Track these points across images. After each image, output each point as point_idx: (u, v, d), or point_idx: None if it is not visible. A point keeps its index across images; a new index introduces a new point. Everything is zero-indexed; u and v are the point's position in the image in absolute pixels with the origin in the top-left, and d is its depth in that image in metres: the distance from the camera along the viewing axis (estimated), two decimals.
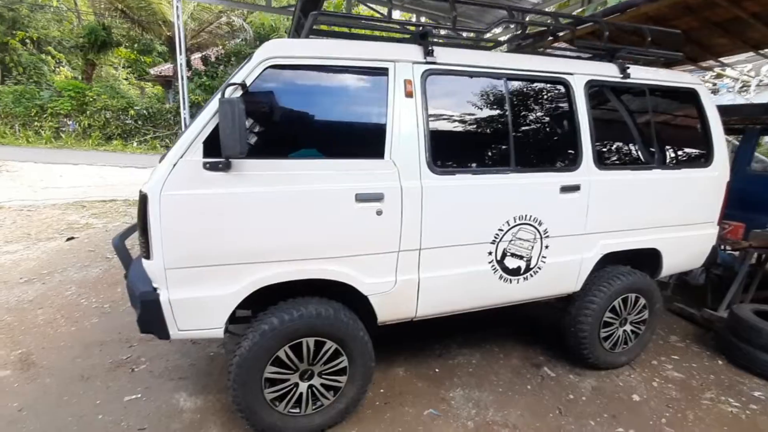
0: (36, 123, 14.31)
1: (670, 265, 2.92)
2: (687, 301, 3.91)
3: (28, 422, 2.19)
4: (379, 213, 2.05)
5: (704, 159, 2.86)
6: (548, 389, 2.66)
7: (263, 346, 1.94)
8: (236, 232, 1.87)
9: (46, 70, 17.85)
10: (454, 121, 2.28)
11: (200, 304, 1.89)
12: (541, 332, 3.31)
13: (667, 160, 2.80)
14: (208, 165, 1.80)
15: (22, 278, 4.05)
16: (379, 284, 2.15)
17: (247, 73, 1.86)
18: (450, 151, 2.25)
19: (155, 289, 1.85)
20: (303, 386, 2.10)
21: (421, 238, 2.16)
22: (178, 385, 2.53)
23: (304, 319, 1.98)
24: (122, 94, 16.00)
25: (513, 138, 2.32)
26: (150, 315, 1.85)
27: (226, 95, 1.75)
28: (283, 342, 1.98)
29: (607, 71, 2.58)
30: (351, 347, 2.11)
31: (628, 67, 2.60)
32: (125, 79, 20.65)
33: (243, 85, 1.82)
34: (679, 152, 2.91)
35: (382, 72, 2.08)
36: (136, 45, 19.09)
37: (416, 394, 2.54)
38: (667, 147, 2.82)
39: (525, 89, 2.41)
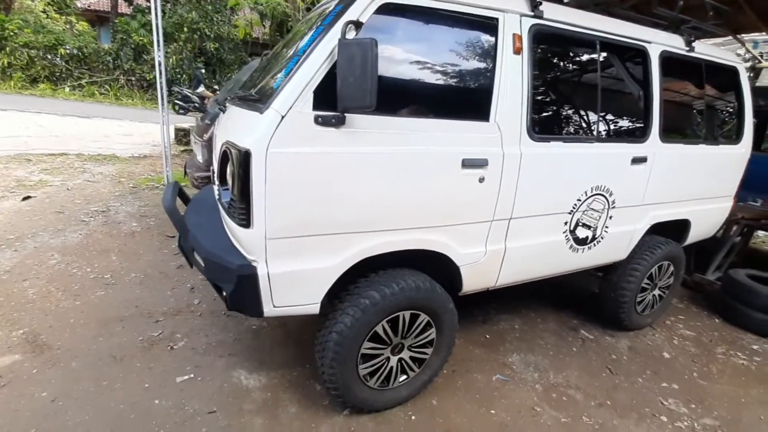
0: None
1: (693, 235, 3.14)
2: None
3: (70, 413, 1.88)
4: (481, 180, 1.92)
5: (736, 136, 3.04)
6: (592, 351, 2.81)
7: (365, 321, 1.79)
8: (345, 197, 1.66)
9: None
10: (552, 84, 2.17)
11: (300, 278, 1.69)
12: (567, 297, 3.46)
13: (711, 136, 2.93)
14: (320, 119, 1.54)
15: None
16: (472, 254, 2.06)
17: (360, 11, 1.58)
18: (546, 117, 2.15)
19: (251, 262, 1.61)
20: (393, 360, 2.01)
21: (513, 208, 2.08)
22: (230, 362, 2.32)
23: (405, 293, 1.85)
24: (49, 29, 13.54)
25: (600, 106, 2.26)
26: (245, 291, 1.62)
27: (339, 34, 1.48)
28: (383, 317, 1.85)
29: (676, 42, 2.57)
30: (442, 319, 2.04)
31: (694, 40, 2.61)
32: (43, 12, 17.51)
33: (358, 24, 1.54)
34: (720, 129, 3.05)
35: (492, 22, 1.88)
36: None
37: (477, 361, 2.56)
38: (712, 123, 2.94)
39: (613, 55, 2.34)
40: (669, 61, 2.56)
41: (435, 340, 2.08)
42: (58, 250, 3.45)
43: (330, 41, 1.54)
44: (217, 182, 1.94)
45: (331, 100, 1.51)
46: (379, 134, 1.66)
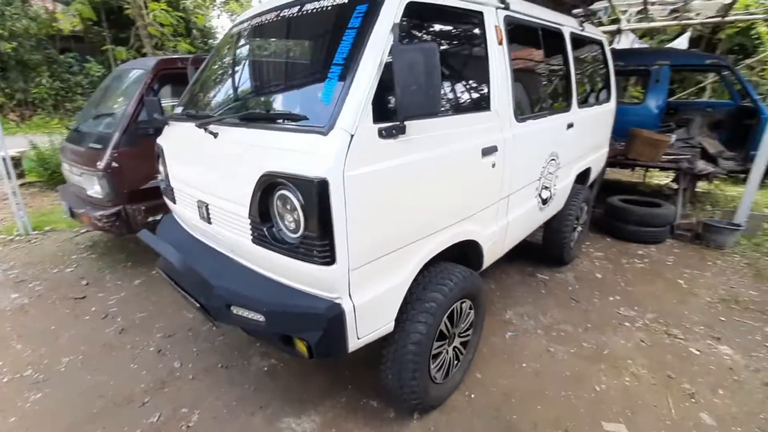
0: None
1: (591, 179, 3.95)
2: None
3: None
4: (493, 166, 2.08)
5: (607, 96, 3.87)
6: (554, 288, 3.36)
7: (433, 324, 1.81)
8: (407, 209, 1.62)
9: None
10: (522, 70, 2.40)
11: (380, 302, 1.60)
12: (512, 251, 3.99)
13: (596, 98, 3.67)
14: (383, 132, 1.44)
15: None
16: (490, 234, 2.24)
17: (394, 11, 1.49)
18: (522, 100, 2.39)
19: (335, 300, 1.45)
20: (450, 351, 2.08)
21: (510, 185, 2.31)
22: (269, 415, 2.06)
23: (458, 286, 1.92)
24: None
25: (549, 84, 2.63)
26: (333, 333, 1.47)
27: (385, 38, 1.40)
28: (444, 314, 1.89)
29: (573, 23, 3.11)
30: (479, 300, 2.18)
31: (584, 21, 3.19)
32: None
33: (399, 25, 1.47)
34: (599, 92, 3.83)
35: (479, 16, 1.99)
36: None
37: (485, 327, 2.81)
38: (595, 87, 3.68)
39: (549, 39, 2.70)
40: (574, 40, 3.08)
41: (474, 320, 2.22)
42: None
43: (377, 46, 1.43)
44: (247, 221, 1.60)
45: (382, 110, 1.43)
46: (425, 138, 1.64)
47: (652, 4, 6.86)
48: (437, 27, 1.84)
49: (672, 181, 6.30)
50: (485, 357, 2.49)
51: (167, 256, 1.84)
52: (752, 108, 5.36)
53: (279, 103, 1.77)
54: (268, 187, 1.45)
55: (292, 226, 1.44)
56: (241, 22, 2.15)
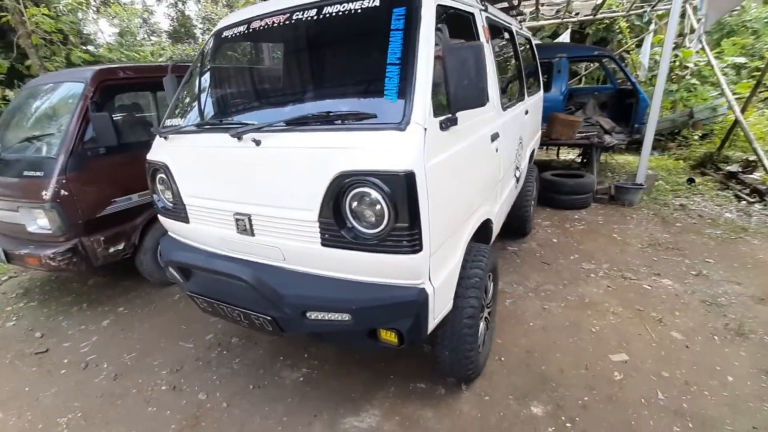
0: None
1: (533, 159, 4.51)
2: None
3: None
4: (497, 150, 2.33)
5: (538, 86, 4.44)
6: (526, 257, 3.80)
7: (480, 298, 1.99)
8: (459, 194, 1.80)
9: None
10: (498, 63, 2.68)
11: (447, 282, 1.73)
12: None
13: (535, 88, 4.20)
14: (443, 124, 1.56)
15: None
16: (495, 213, 2.50)
17: (433, 12, 1.63)
18: (504, 91, 2.68)
19: (420, 286, 1.54)
20: (482, 323, 2.28)
21: (503, 167, 2.60)
22: (326, 422, 2.04)
23: (489, 261, 2.12)
24: None
25: (517, 75, 2.97)
26: (421, 318, 1.56)
27: (432, 37, 1.54)
28: (484, 287, 2.08)
29: (515, 23, 3.53)
30: (497, 272, 2.43)
31: (524, 20, 3.64)
32: None
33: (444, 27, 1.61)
34: (534, 82, 4.37)
35: (472, 17, 2.20)
36: None
37: None
38: (532, 77, 4.20)
39: (509, 39, 3.04)
40: (518, 38, 3.50)
41: (493, 291, 2.46)
42: None
43: (428, 45, 1.54)
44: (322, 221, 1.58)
45: (434, 105, 1.56)
46: (463, 128, 1.80)
47: (543, 5, 7.90)
48: (449, 27, 2.00)
49: (578, 156, 7.39)
50: (498, 325, 2.75)
51: (232, 272, 1.73)
52: (630, 90, 6.54)
53: (329, 105, 1.76)
54: (342, 187, 1.47)
55: (372, 221, 1.48)
56: (238, 27, 2.06)
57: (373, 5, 1.67)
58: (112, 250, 3.01)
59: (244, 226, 1.76)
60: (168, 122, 2.12)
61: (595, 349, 2.49)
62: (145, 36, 15.25)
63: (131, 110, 3.51)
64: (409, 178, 1.39)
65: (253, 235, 1.76)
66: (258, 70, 2.09)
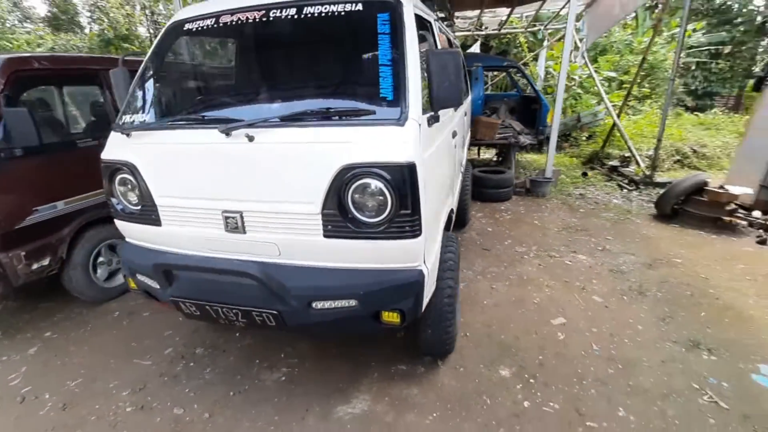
0: None
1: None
2: None
3: None
4: (455, 146, 2.60)
5: (467, 90, 4.91)
6: (468, 245, 4.18)
7: (455, 280, 2.20)
8: (439, 185, 2.00)
9: None
10: None
11: (433, 265, 1.91)
12: None
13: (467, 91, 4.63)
14: (430, 120, 1.74)
15: None
16: (454, 203, 2.76)
17: (413, 19, 1.80)
18: None
19: (417, 267, 1.69)
20: None
21: (457, 161, 2.89)
22: (318, 413, 2.07)
23: (457, 246, 2.36)
24: None
25: (465, 78, 3.28)
26: (419, 297, 1.72)
27: (416, 42, 1.72)
28: (457, 269, 2.31)
29: (445, 27, 3.89)
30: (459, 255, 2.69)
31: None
32: None
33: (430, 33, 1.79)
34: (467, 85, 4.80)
35: (431, 26, 2.43)
36: None
37: None
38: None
39: (452, 45, 3.34)
40: (452, 45, 3.86)
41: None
42: None
43: (415, 49, 1.70)
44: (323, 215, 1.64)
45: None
46: (439, 125, 2.00)
47: (457, 18, 8.63)
48: (420, 33, 2.19)
49: (495, 155, 8.22)
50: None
51: (238, 268, 1.69)
52: (534, 97, 7.51)
53: (321, 102, 1.79)
54: (345, 179, 1.56)
55: (374, 210, 1.60)
56: (206, 20, 1.98)
57: (356, 9, 1.78)
58: (35, 266, 2.61)
59: (235, 223, 1.73)
60: (127, 118, 1.96)
61: (539, 317, 2.89)
62: (17, 23, 12.90)
63: (46, 106, 3.07)
64: (411, 169, 1.54)
65: (244, 232, 1.74)
66: (229, 69, 2.04)
